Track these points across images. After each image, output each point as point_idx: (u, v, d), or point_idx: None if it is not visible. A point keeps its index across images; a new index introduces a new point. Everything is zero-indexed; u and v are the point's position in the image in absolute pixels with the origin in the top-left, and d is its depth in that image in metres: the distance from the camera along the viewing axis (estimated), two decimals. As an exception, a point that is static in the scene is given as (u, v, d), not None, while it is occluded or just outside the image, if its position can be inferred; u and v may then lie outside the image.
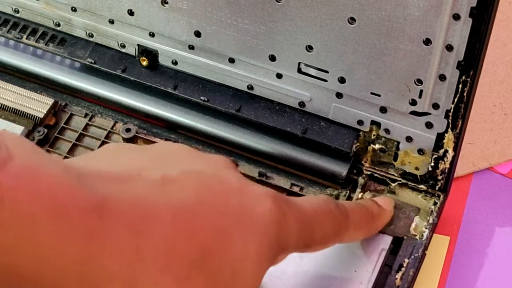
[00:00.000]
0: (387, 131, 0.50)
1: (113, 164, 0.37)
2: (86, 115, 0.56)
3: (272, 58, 0.50)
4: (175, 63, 0.54)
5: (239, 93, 0.54)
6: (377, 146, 0.52)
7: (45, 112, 0.55)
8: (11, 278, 0.31)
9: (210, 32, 0.51)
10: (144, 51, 0.55)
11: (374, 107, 0.50)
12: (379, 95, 0.49)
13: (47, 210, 0.31)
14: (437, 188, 0.51)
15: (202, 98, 0.54)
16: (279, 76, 0.51)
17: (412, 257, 0.49)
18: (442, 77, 0.46)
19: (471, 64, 0.44)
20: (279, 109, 0.53)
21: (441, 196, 0.51)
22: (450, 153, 0.49)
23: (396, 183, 0.52)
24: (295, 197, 0.42)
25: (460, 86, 0.46)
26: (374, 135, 0.51)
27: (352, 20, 0.46)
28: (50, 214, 0.31)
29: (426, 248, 0.49)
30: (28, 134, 0.55)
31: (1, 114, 0.56)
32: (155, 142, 0.54)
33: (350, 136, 0.52)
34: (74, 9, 0.55)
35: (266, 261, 0.38)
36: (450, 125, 0.48)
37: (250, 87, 0.53)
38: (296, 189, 0.53)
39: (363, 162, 0.53)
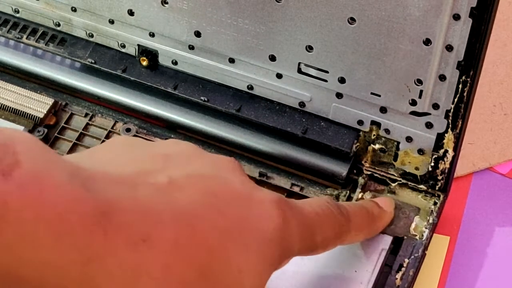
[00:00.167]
0: (387, 131, 0.50)
1: (120, 162, 0.37)
2: (86, 114, 0.56)
3: (272, 58, 0.50)
4: (175, 63, 0.54)
5: (239, 93, 0.54)
6: (377, 146, 0.52)
7: (45, 112, 0.55)
8: None
9: (210, 32, 0.51)
10: (144, 51, 0.55)
11: (374, 107, 0.50)
12: (379, 95, 0.49)
13: (50, 228, 0.31)
14: (437, 188, 0.51)
15: (202, 98, 0.54)
16: (279, 76, 0.51)
17: (412, 257, 0.49)
18: (442, 77, 0.46)
19: (471, 64, 0.44)
20: (279, 109, 0.53)
21: (441, 196, 0.51)
22: (450, 153, 0.49)
23: (396, 183, 0.52)
24: (297, 200, 0.41)
25: (460, 86, 0.46)
26: (374, 135, 0.51)
27: (352, 20, 0.46)
28: (53, 234, 0.31)
29: (426, 248, 0.49)
30: (28, 134, 0.55)
31: (1, 114, 0.56)
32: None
33: (350, 136, 0.52)
34: (74, 9, 0.55)
35: (269, 270, 0.37)
36: (450, 125, 0.48)
37: (250, 87, 0.53)
38: (296, 189, 0.53)
39: (363, 162, 0.53)
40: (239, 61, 0.52)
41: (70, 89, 0.57)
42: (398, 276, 0.48)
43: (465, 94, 0.46)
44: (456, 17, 0.43)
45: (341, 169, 0.52)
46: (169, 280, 0.34)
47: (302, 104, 0.52)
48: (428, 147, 0.50)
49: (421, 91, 0.47)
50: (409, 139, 0.50)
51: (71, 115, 0.56)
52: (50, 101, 0.56)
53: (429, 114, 0.48)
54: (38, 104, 0.56)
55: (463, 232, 0.54)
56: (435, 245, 0.52)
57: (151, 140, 0.55)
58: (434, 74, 0.46)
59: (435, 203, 0.51)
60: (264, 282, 0.37)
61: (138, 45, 0.55)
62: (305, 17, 0.47)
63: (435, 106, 0.47)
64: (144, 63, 0.55)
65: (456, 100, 0.46)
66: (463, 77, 0.45)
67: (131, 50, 0.55)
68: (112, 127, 0.56)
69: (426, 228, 0.50)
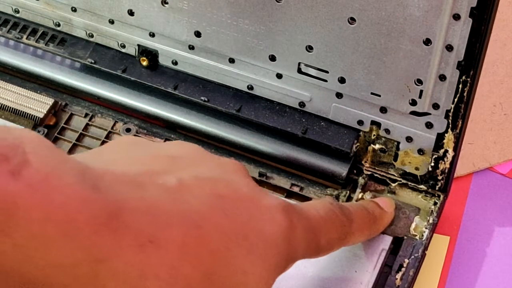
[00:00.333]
0: (387, 131, 0.50)
1: (127, 162, 0.37)
2: (86, 115, 0.56)
3: (272, 58, 0.50)
4: (175, 63, 0.54)
5: (239, 93, 0.54)
6: (377, 146, 0.52)
7: (45, 112, 0.55)
8: None
9: (210, 32, 0.51)
10: (144, 51, 0.55)
11: (374, 107, 0.50)
12: (379, 95, 0.49)
13: (58, 228, 0.31)
14: (437, 188, 0.51)
15: (202, 98, 0.54)
16: (279, 76, 0.51)
17: (412, 257, 0.49)
18: (442, 77, 0.46)
19: (471, 64, 0.44)
20: (279, 109, 0.53)
21: (441, 196, 0.51)
22: (450, 153, 0.49)
23: (396, 183, 0.52)
24: (301, 204, 0.41)
25: (460, 86, 0.46)
26: (374, 135, 0.51)
27: (352, 20, 0.46)
28: (62, 234, 0.31)
29: (426, 248, 0.49)
30: (28, 134, 0.55)
31: (1, 114, 0.56)
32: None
33: (350, 136, 0.52)
34: (74, 9, 0.55)
35: (274, 275, 0.37)
36: (450, 125, 0.48)
37: (250, 87, 0.53)
38: (296, 189, 0.53)
39: (363, 162, 0.53)
40: (239, 61, 0.52)
41: (70, 89, 0.57)
42: (398, 276, 0.48)
43: (465, 94, 0.46)
44: (456, 17, 0.43)
45: (341, 169, 0.52)
46: (175, 282, 0.34)
47: (302, 104, 0.52)
48: (428, 147, 0.50)
49: (421, 91, 0.47)
50: (409, 139, 0.50)
51: (71, 115, 0.56)
52: (50, 101, 0.56)
53: (429, 114, 0.48)
54: (38, 104, 0.56)
55: (463, 232, 0.54)
56: (435, 245, 0.52)
57: (152, 140, 0.55)
58: (434, 74, 0.46)
59: (435, 203, 0.51)
60: (269, 287, 0.37)
61: (138, 45, 0.55)
62: (305, 17, 0.47)
63: (435, 106, 0.47)
64: (144, 63, 0.55)
65: (456, 100, 0.46)
66: (463, 77, 0.45)
67: (131, 50, 0.55)
68: (112, 127, 0.56)
69: (426, 228, 0.50)
